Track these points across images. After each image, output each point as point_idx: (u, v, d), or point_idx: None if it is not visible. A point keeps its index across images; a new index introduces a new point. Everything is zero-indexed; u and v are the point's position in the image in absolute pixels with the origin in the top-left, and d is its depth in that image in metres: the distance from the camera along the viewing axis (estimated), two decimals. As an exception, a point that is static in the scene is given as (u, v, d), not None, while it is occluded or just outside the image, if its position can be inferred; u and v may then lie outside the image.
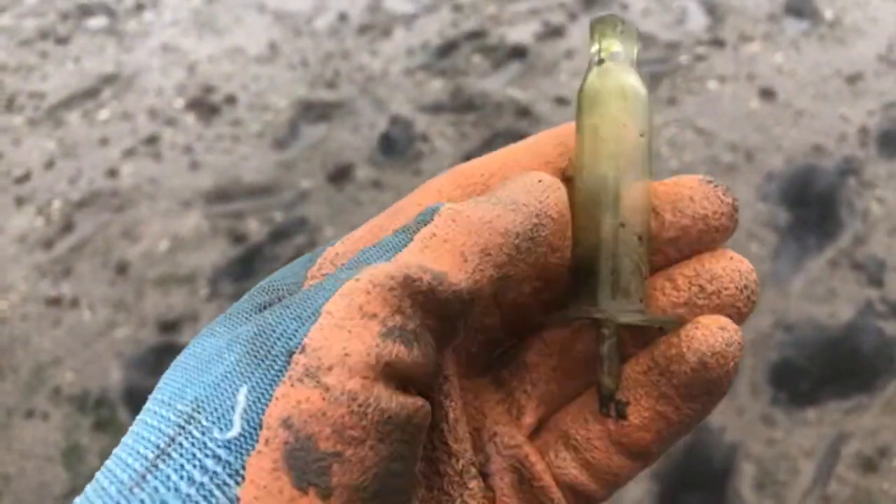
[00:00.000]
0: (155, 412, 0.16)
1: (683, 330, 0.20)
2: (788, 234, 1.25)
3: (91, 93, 1.75)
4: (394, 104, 1.61)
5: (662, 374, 0.20)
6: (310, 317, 0.16)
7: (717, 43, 1.67)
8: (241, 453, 0.15)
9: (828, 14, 1.74)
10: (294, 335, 0.16)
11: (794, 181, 1.33)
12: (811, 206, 1.29)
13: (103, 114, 1.69)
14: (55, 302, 1.28)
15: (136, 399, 1.14)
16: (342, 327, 0.15)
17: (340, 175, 1.46)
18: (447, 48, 1.75)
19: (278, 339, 0.16)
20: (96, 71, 1.81)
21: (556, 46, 1.71)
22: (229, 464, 0.15)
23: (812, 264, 1.21)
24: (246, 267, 1.31)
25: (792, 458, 1.00)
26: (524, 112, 1.54)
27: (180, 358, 0.17)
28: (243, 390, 0.15)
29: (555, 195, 0.20)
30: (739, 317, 0.21)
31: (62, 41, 1.94)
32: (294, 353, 0.15)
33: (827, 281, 1.18)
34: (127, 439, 0.16)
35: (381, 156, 1.49)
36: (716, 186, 0.22)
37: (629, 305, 0.21)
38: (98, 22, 2.00)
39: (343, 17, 1.90)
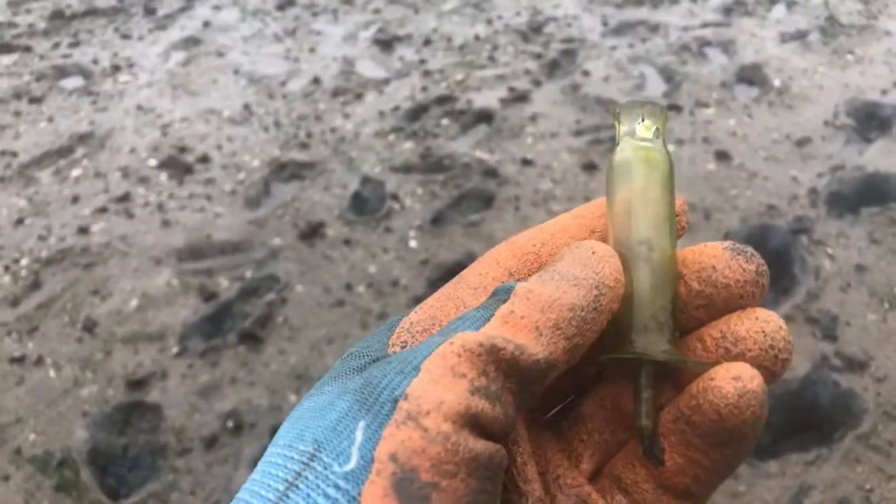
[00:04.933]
0: (278, 454, 0.19)
1: (702, 380, 0.21)
2: (746, 290, 1.29)
3: (63, 151, 1.76)
4: (365, 165, 1.64)
5: (688, 424, 0.22)
6: (410, 372, 0.19)
7: (675, 108, 1.75)
8: (357, 483, 0.18)
9: (776, 82, 1.84)
10: (398, 386, 0.19)
11: (749, 240, 1.38)
12: (767, 264, 1.34)
13: (75, 172, 1.70)
14: (19, 360, 1.26)
15: (101, 459, 1.11)
16: (437, 382, 0.19)
17: (312, 233, 1.48)
18: (417, 112, 1.80)
19: (384, 389, 0.19)
20: (70, 130, 1.83)
21: (522, 111, 1.78)
22: (347, 492, 0.18)
23: (769, 319, 1.25)
24: (216, 324, 1.30)
25: (755, 510, 1.01)
26: (491, 173, 1.59)
27: (294, 412, 0.20)
28: (361, 425, 0.19)
29: (609, 265, 0.22)
30: (768, 376, 0.22)
31: (36, 101, 1.96)
32: (399, 399, 0.19)
33: (784, 335, 1.22)
34: (255, 476, 0.19)
35: (353, 214, 1.52)
36: (738, 254, 0.23)
37: (661, 346, 0.23)
38: (73, 82, 2.03)
39: (316, 81, 1.95)
